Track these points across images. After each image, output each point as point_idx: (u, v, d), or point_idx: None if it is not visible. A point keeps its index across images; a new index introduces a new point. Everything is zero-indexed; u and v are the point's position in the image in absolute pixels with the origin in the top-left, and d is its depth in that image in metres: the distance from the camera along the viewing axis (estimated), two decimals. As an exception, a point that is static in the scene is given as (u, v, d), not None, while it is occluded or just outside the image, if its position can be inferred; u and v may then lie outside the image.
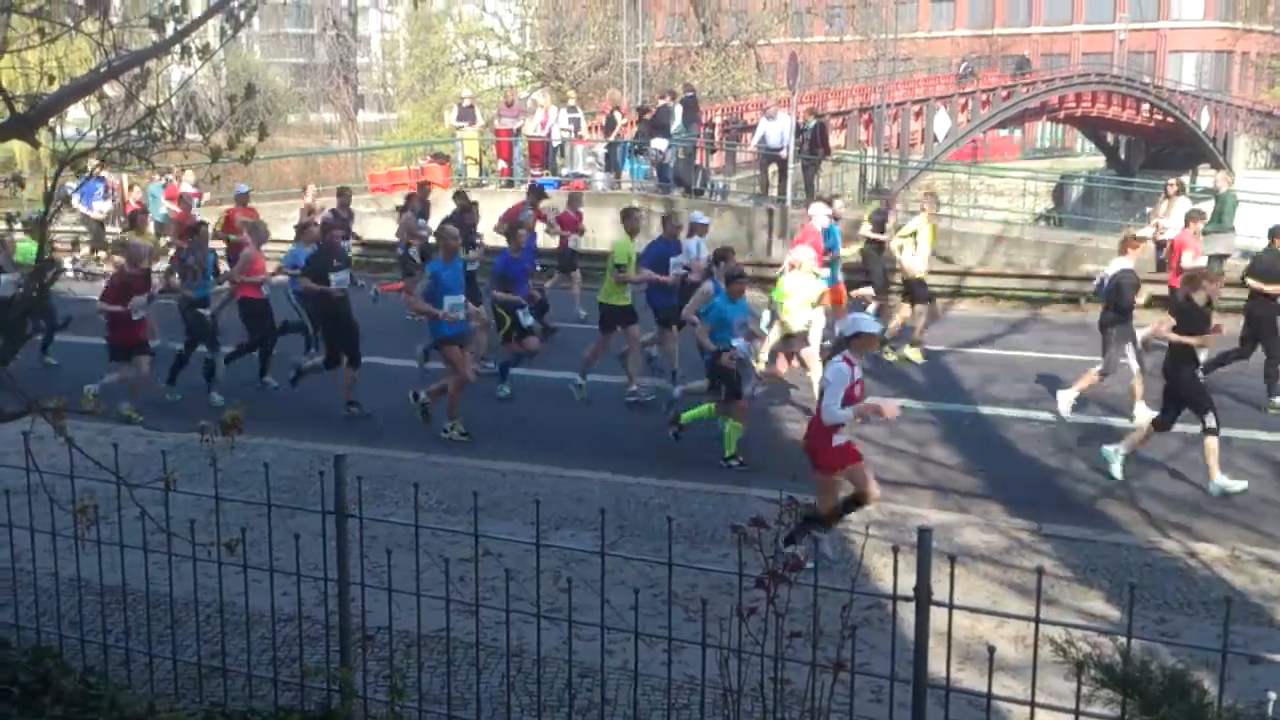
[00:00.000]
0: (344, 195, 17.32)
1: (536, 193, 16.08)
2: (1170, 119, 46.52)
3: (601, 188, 22.97)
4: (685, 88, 24.01)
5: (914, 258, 13.99)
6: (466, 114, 25.11)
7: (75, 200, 19.30)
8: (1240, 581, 7.27)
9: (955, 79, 41.76)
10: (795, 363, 11.71)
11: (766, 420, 11.51)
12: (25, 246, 13.31)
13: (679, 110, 22.86)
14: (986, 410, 11.84)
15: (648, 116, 22.81)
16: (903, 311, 14.40)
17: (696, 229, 13.16)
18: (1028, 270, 18.97)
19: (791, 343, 11.59)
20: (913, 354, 13.96)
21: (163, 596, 5.64)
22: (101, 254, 19.50)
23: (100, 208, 21.56)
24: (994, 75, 43.61)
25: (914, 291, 14.17)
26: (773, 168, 22.07)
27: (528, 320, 11.91)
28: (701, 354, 10.25)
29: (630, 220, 12.70)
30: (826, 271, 12.97)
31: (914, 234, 14.07)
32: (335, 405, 11.71)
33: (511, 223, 13.01)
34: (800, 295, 11.41)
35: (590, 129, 24.61)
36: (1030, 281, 18.32)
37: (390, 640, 5.13)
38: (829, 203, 14.57)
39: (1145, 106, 45.86)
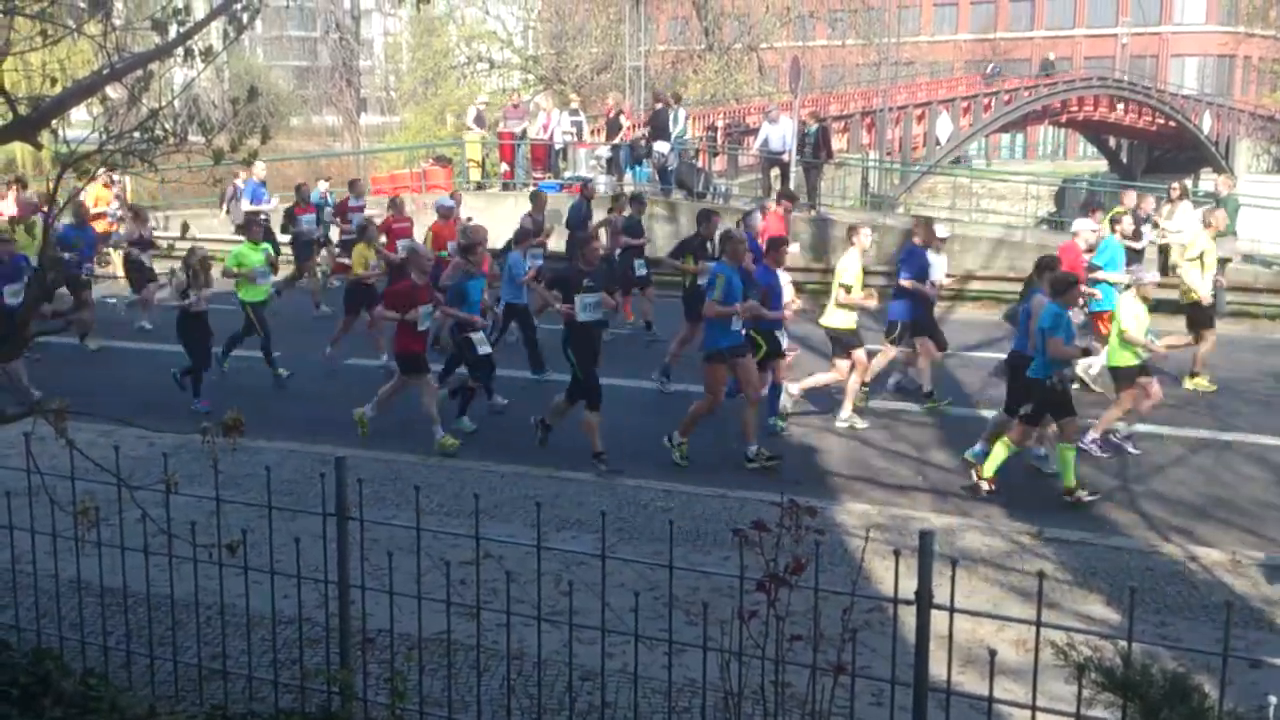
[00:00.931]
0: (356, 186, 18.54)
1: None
2: (1172, 123, 46.56)
3: (604, 191, 22.98)
4: (657, 97, 24.02)
5: (1201, 279, 12.54)
6: (481, 119, 25.10)
7: (245, 202, 19.20)
8: (1241, 586, 7.27)
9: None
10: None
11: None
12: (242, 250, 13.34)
13: (682, 113, 22.88)
14: (988, 414, 11.82)
15: (645, 129, 22.86)
16: (1184, 340, 12.73)
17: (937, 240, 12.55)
18: (1030, 274, 18.93)
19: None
20: (1202, 383, 12.50)
21: (163, 598, 5.64)
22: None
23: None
24: (1012, 78, 43.64)
25: (1199, 317, 12.63)
26: (775, 171, 22.07)
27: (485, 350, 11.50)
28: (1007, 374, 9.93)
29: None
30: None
31: (1202, 254, 12.59)
32: (331, 408, 11.71)
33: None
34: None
35: (592, 132, 24.62)
36: (1028, 284, 18.27)
37: (391, 643, 5.13)
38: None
39: (1147, 110, 45.88)
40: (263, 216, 18.03)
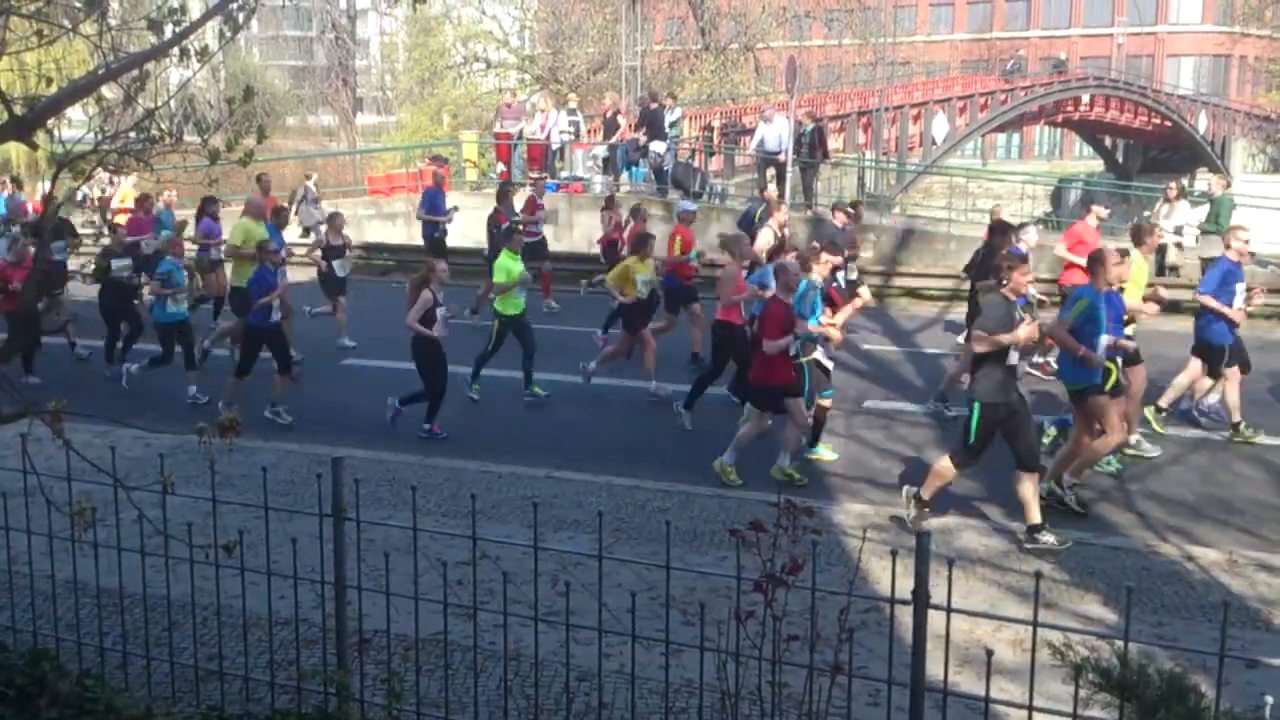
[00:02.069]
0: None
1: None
2: (1168, 123, 46.61)
3: (600, 191, 22.99)
4: (652, 96, 24.01)
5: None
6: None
7: (421, 210, 18.43)
8: (1238, 585, 7.28)
9: (1001, 75, 42.02)
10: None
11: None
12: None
13: (678, 111, 22.88)
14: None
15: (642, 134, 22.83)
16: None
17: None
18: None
19: None
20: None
21: (160, 599, 5.64)
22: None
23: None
24: (992, 79, 43.67)
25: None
26: (771, 171, 22.08)
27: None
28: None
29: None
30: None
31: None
32: (331, 407, 11.71)
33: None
34: None
35: (589, 132, 24.63)
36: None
37: (388, 643, 5.12)
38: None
39: (1143, 110, 45.95)
40: (442, 227, 17.79)
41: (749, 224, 16.18)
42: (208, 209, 15.85)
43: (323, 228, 16.29)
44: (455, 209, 18.30)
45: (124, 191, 19.34)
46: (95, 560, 5.22)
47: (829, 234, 14.19)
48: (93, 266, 14.74)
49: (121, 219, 17.64)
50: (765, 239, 14.12)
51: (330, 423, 11.44)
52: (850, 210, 15.19)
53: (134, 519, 4.73)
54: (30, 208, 17.51)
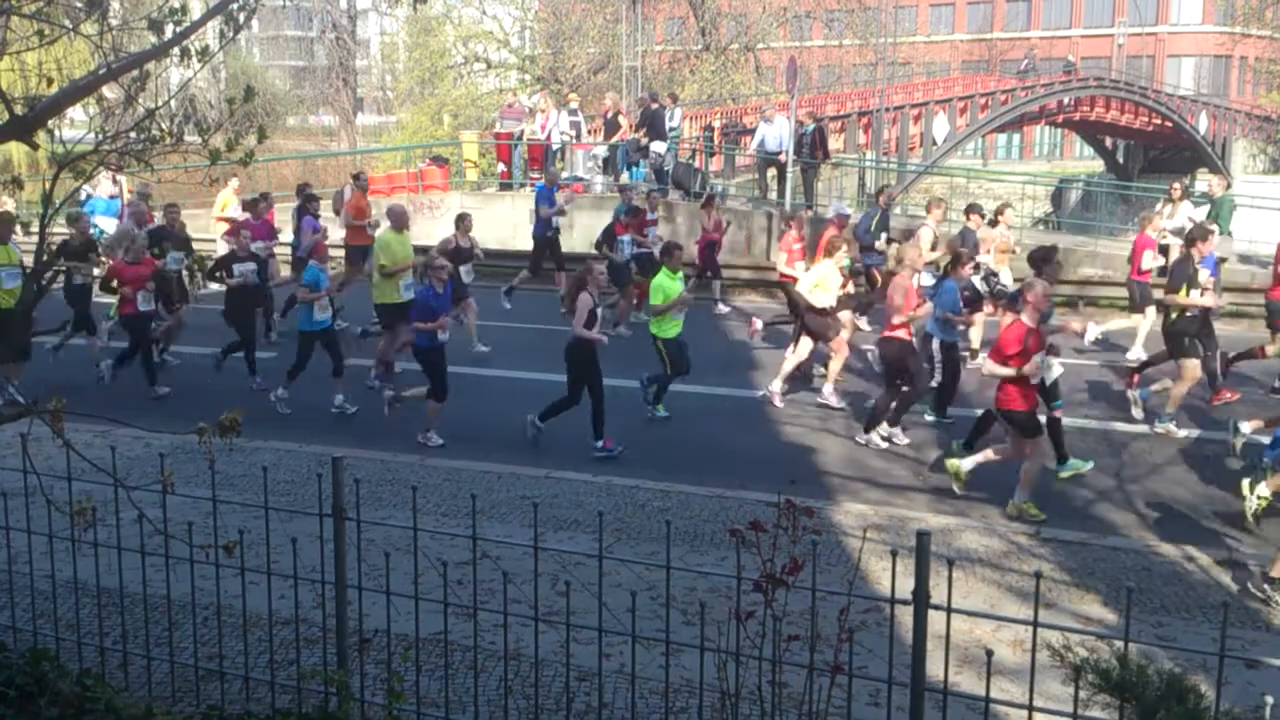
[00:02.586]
0: None
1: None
2: (1168, 123, 46.57)
3: (600, 191, 23.00)
4: (652, 96, 23.99)
5: None
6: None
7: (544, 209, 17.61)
8: (1238, 586, 7.28)
9: (1016, 74, 42.05)
10: None
11: (765, 423, 11.51)
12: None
13: (679, 112, 22.88)
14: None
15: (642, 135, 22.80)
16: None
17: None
18: (1026, 274, 18.95)
19: None
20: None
21: (160, 599, 5.64)
22: None
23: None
24: (993, 79, 43.69)
25: None
26: (771, 171, 22.08)
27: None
28: None
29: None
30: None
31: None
32: (331, 408, 11.71)
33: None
34: None
35: (590, 132, 24.63)
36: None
37: (388, 643, 5.13)
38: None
39: (1144, 111, 45.93)
40: (555, 225, 17.26)
41: (866, 232, 15.48)
42: (308, 206, 15.45)
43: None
44: (567, 206, 18.08)
45: (225, 198, 18.95)
46: (95, 560, 5.22)
47: (968, 237, 13.69)
48: (206, 270, 14.28)
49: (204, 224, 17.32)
50: (927, 240, 13.49)
51: (328, 423, 11.44)
52: (985, 214, 14.57)
53: (134, 519, 4.73)
54: (149, 216, 17.19)
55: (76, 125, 5.88)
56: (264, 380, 12.45)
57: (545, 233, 17.64)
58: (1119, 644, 3.75)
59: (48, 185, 4.59)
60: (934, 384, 11.29)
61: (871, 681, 4.94)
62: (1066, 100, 42.97)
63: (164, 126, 4.60)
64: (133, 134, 4.64)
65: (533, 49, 47.51)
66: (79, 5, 4.68)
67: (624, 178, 23.24)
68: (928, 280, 11.89)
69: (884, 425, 10.72)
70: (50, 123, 4.65)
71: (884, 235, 15.73)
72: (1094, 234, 23.62)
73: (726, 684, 4.24)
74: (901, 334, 10.59)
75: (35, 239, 4.59)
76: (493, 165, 25.30)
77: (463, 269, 13.74)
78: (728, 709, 4.27)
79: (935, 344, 11.24)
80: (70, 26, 4.70)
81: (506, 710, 5.13)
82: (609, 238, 16.19)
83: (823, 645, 4.27)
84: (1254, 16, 54.27)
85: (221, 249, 16.11)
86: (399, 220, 13.12)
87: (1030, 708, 3.97)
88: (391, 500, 8.58)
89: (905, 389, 10.70)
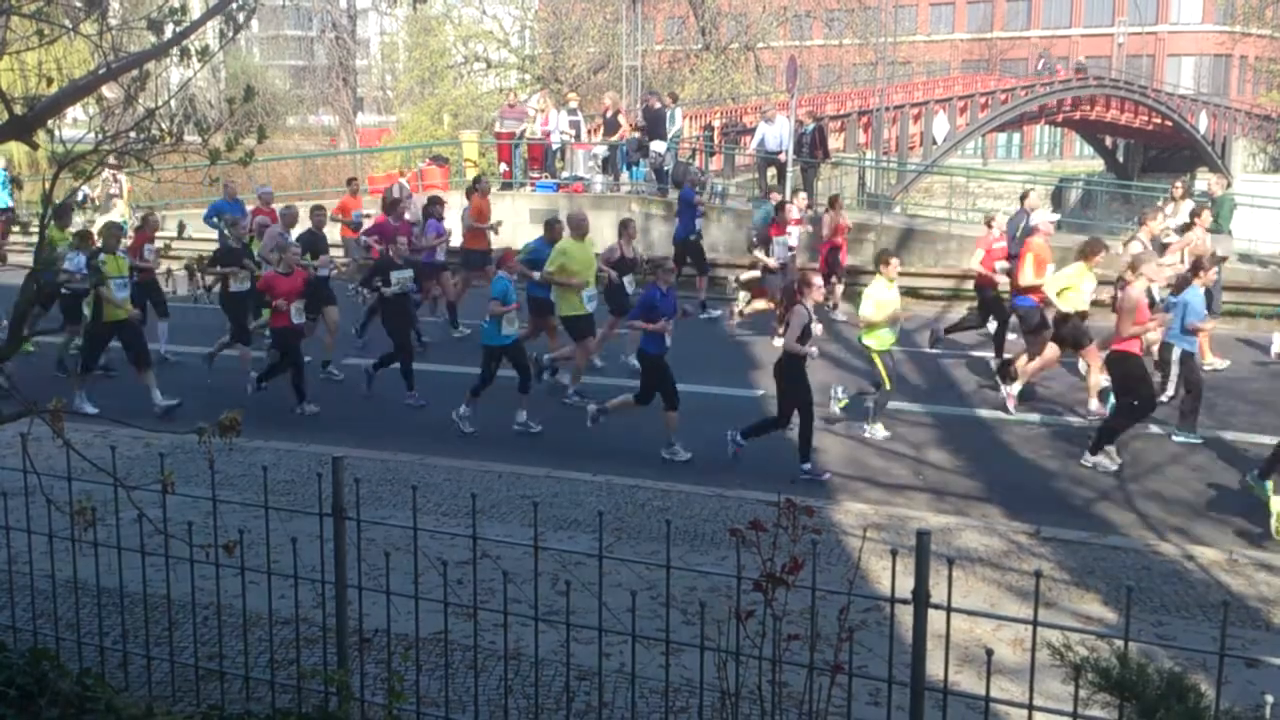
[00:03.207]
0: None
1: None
2: (1168, 122, 46.60)
3: (600, 190, 22.99)
4: (654, 95, 23.99)
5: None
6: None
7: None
8: (1237, 585, 7.28)
9: (1035, 73, 42.10)
10: None
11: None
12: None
13: (679, 112, 22.87)
14: (985, 413, 11.85)
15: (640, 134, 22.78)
16: None
17: None
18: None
19: None
20: None
21: (160, 599, 5.64)
22: None
23: None
24: (993, 79, 43.70)
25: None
26: (771, 170, 22.07)
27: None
28: None
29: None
30: None
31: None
32: (332, 407, 11.71)
33: None
34: None
35: (589, 131, 24.64)
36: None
37: (388, 643, 5.12)
38: None
39: (1143, 110, 45.96)
40: (698, 230, 16.92)
41: (1011, 238, 14.41)
42: (433, 209, 15.04)
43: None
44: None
45: (347, 200, 18.05)
46: (95, 559, 5.22)
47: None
48: (361, 279, 13.48)
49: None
50: (1137, 252, 12.45)
51: (327, 422, 11.43)
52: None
53: (134, 518, 4.73)
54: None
55: (78, 125, 5.88)
56: (421, 396, 11.98)
57: (687, 236, 17.07)
58: (1119, 643, 3.75)
59: (47, 185, 4.59)
60: (1165, 398, 10.81)
61: (871, 681, 4.94)
62: (1066, 100, 43.01)
63: (164, 126, 4.60)
64: (132, 134, 4.64)
65: (533, 48, 47.49)
66: (79, 5, 4.68)
67: (624, 177, 23.25)
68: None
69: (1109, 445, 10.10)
70: (50, 122, 4.65)
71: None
72: (1094, 233, 23.60)
73: (726, 683, 4.24)
74: (1133, 347, 10.02)
75: (40, 241, 4.59)
76: (493, 165, 25.30)
77: (625, 279, 13.03)
78: (728, 708, 4.27)
79: (1175, 353, 10.62)
80: (70, 26, 4.69)
81: (506, 710, 5.13)
82: (764, 241, 15.78)
83: (823, 644, 4.27)
84: (1254, 16, 54.30)
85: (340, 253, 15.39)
86: (579, 227, 12.29)
87: (1030, 707, 3.97)
88: (391, 500, 8.58)
89: (1137, 405, 10.07)
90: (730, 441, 10.10)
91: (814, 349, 9.83)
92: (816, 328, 9.83)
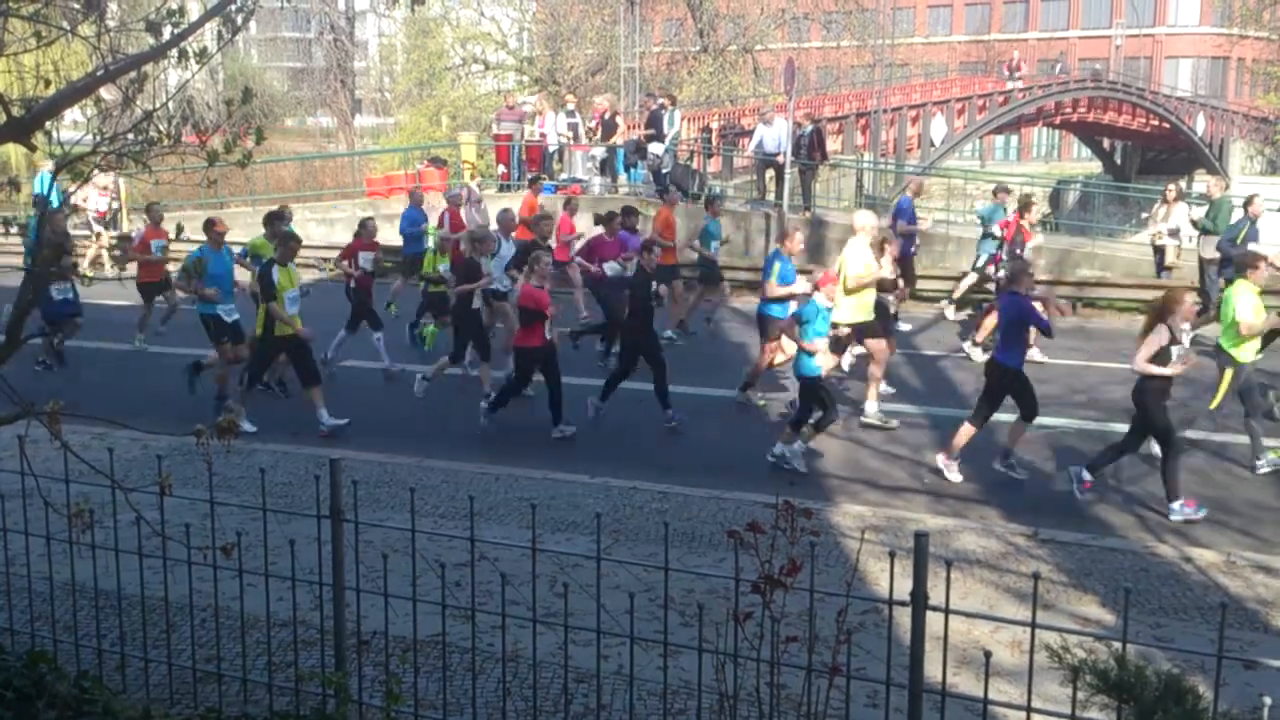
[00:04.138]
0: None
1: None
2: (1166, 124, 46.65)
3: (598, 192, 23.00)
4: (652, 96, 23.99)
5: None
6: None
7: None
8: (1236, 586, 7.28)
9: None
10: None
11: (764, 425, 11.50)
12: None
13: (677, 114, 22.88)
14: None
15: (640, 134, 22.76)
16: None
17: None
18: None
19: None
20: None
21: (158, 601, 5.64)
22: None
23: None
24: (990, 81, 43.75)
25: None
26: (769, 173, 22.09)
27: None
28: None
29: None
30: None
31: None
32: (329, 409, 11.68)
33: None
34: None
35: (588, 133, 24.66)
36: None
37: (386, 645, 5.12)
38: None
39: (1141, 112, 46.00)
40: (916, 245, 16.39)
41: (1230, 243, 14.00)
42: (627, 220, 14.24)
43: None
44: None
45: (528, 200, 17.81)
46: (93, 562, 5.21)
47: None
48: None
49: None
50: None
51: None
52: None
53: (132, 521, 4.72)
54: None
55: (76, 127, 5.88)
56: (680, 414, 11.29)
57: (909, 251, 16.41)
58: (1117, 645, 3.75)
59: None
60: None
61: (870, 683, 4.94)
62: (1064, 102, 43.06)
63: (162, 128, 4.60)
64: (130, 135, 4.64)
65: (530, 50, 47.51)
66: (76, 7, 4.68)
67: (622, 179, 23.27)
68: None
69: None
70: (48, 124, 4.65)
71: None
72: (1092, 235, 23.65)
73: (725, 685, 4.24)
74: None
75: (39, 242, 4.59)
76: (491, 167, 25.30)
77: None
78: (726, 710, 4.27)
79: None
80: (68, 28, 4.69)
81: (505, 712, 5.12)
82: (898, 256, 14.96)
83: (821, 646, 4.27)
84: (1251, 18, 54.33)
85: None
86: (875, 236, 11.97)
87: (1028, 709, 3.97)
88: (389, 502, 8.57)
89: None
90: (1073, 478, 9.41)
91: (1179, 368, 8.90)
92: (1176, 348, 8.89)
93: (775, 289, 11.67)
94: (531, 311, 10.66)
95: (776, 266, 11.72)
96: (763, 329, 12.00)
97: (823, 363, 10.08)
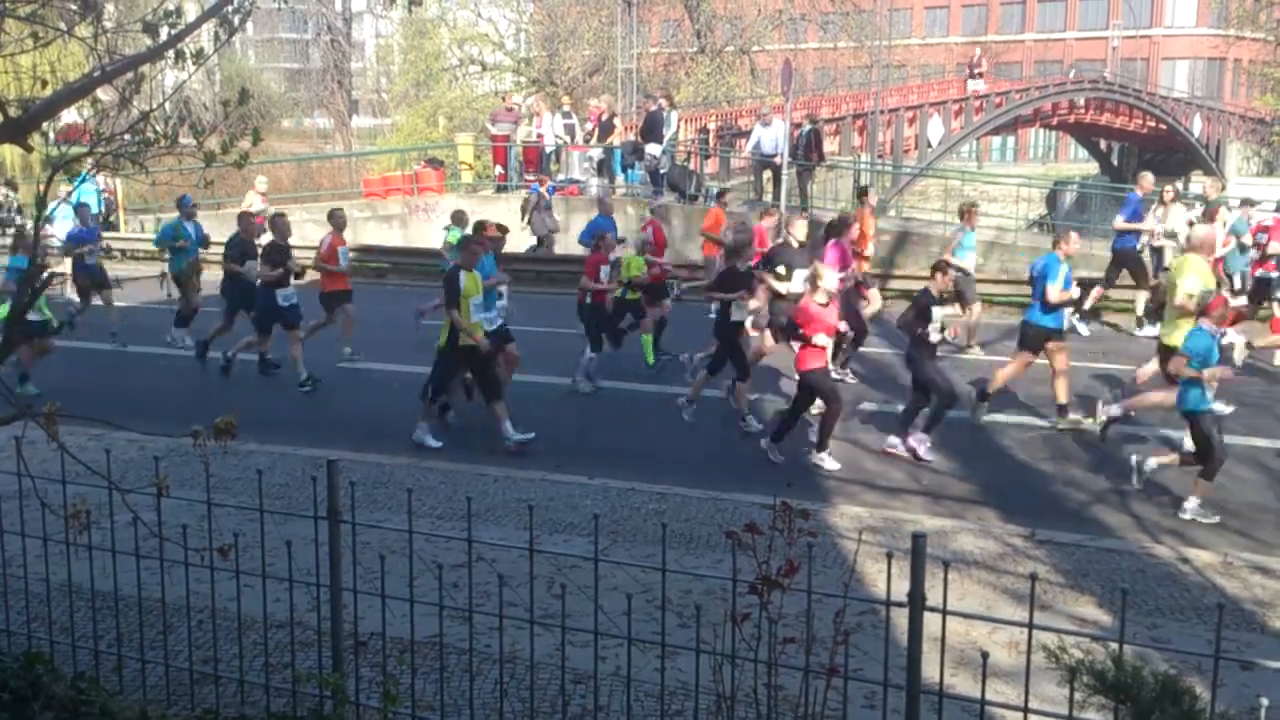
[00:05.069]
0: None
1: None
2: (1163, 125, 46.73)
3: (596, 193, 23.00)
4: (649, 97, 24.00)
5: None
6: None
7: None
8: (1232, 587, 7.29)
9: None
10: None
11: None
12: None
13: (674, 115, 22.89)
14: (981, 416, 11.85)
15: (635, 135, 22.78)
16: None
17: None
18: (1021, 276, 19.00)
19: None
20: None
21: (155, 602, 5.63)
22: None
23: None
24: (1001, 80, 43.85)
25: None
26: (767, 174, 22.10)
27: None
28: None
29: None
30: None
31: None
32: (327, 410, 11.69)
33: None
34: None
35: (588, 135, 24.67)
36: (1024, 288, 18.27)
37: (383, 646, 5.12)
38: None
39: (1138, 113, 46.07)
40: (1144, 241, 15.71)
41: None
42: (837, 229, 13.18)
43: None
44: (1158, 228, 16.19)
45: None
46: (90, 563, 5.21)
47: None
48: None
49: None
50: None
51: (324, 424, 11.40)
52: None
53: (129, 522, 4.72)
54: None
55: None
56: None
57: (1133, 246, 15.97)
58: (1114, 645, 3.75)
59: (41, 188, 4.58)
60: None
61: (867, 684, 4.94)
62: (1061, 103, 43.11)
63: (159, 129, 4.59)
64: (127, 136, 4.63)
65: (528, 51, 47.52)
66: (73, 8, 4.68)
67: (620, 180, 23.28)
68: None
69: None
70: (45, 125, 4.64)
71: None
72: (1089, 236, 23.65)
73: (722, 686, 4.24)
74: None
75: (36, 245, 4.58)
76: (488, 168, 25.30)
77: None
78: (723, 712, 4.27)
79: None
80: (65, 29, 4.69)
81: (502, 713, 5.12)
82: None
83: (818, 648, 4.26)
84: (1248, 19, 54.45)
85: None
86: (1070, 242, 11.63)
87: (1026, 709, 3.97)
88: (387, 503, 8.57)
89: None
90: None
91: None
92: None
93: (1059, 294, 10.96)
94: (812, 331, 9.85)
95: (1062, 270, 10.91)
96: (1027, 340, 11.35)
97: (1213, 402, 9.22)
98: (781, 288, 12.02)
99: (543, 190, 20.45)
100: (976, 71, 39.22)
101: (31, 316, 11.73)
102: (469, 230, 12.83)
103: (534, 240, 21.30)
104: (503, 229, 12.57)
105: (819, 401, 10.10)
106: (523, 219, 21.04)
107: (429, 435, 10.60)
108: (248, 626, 5.71)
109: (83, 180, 4.75)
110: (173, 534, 4.75)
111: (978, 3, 70.13)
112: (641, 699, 5.40)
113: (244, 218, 14.37)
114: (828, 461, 10.05)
